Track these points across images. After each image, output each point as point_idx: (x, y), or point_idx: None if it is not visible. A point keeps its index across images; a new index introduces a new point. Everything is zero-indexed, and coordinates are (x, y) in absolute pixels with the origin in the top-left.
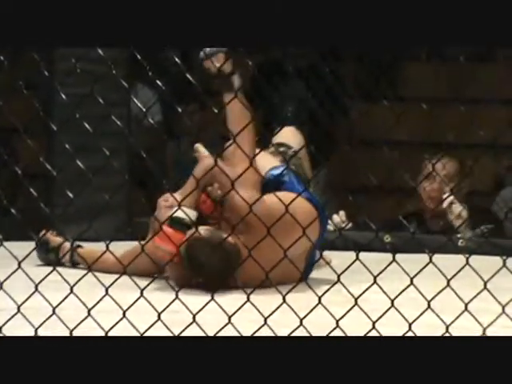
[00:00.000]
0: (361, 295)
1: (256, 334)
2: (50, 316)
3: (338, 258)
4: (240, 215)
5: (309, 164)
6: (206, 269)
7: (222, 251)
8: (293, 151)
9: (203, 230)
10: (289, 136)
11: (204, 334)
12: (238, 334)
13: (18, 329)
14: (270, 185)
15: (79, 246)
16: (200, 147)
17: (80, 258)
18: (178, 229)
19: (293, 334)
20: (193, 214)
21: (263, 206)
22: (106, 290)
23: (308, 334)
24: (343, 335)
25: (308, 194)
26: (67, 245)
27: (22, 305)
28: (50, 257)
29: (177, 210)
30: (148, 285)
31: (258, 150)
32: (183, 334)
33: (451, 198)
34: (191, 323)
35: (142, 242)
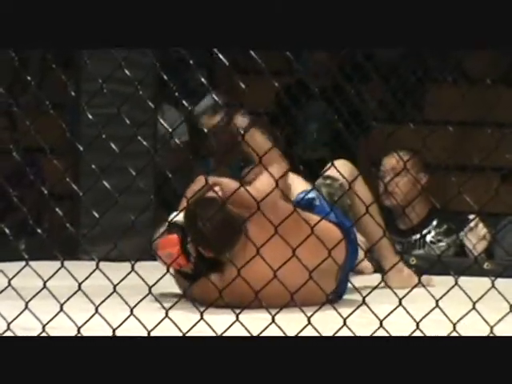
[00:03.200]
0: (386, 317)
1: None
2: (76, 336)
3: (364, 281)
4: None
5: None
6: (205, 226)
7: (224, 211)
8: (339, 184)
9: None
10: (339, 168)
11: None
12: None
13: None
14: (300, 208)
15: None
16: (216, 180)
17: None
18: (174, 232)
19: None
20: None
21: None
22: (131, 310)
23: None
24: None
25: (337, 219)
26: None
27: (47, 324)
28: None
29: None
30: (173, 305)
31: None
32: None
33: (477, 219)
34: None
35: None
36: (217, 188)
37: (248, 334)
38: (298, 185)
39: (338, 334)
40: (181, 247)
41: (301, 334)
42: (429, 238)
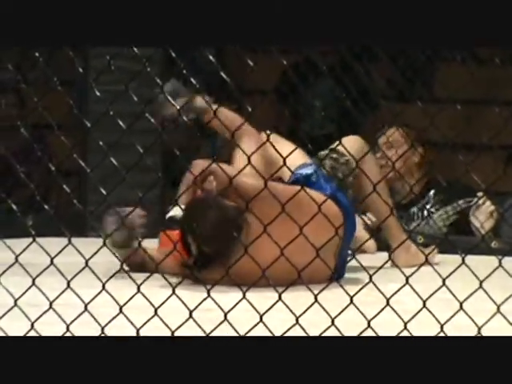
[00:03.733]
0: (392, 296)
1: (287, 334)
2: (82, 313)
3: (371, 259)
4: (249, 195)
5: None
6: (203, 228)
7: (221, 209)
8: (345, 159)
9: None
10: (347, 144)
11: (235, 333)
12: (268, 333)
13: (50, 325)
14: (298, 184)
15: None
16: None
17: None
18: (175, 227)
19: (324, 334)
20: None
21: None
22: (138, 287)
23: (339, 334)
24: (374, 335)
25: (335, 194)
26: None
27: (54, 301)
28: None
29: (171, 210)
30: (179, 283)
31: (289, 145)
32: (214, 333)
33: (484, 197)
34: (222, 321)
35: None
36: (211, 178)
37: (255, 312)
38: (296, 158)
39: (344, 313)
40: (181, 242)
41: (307, 313)
42: (428, 207)
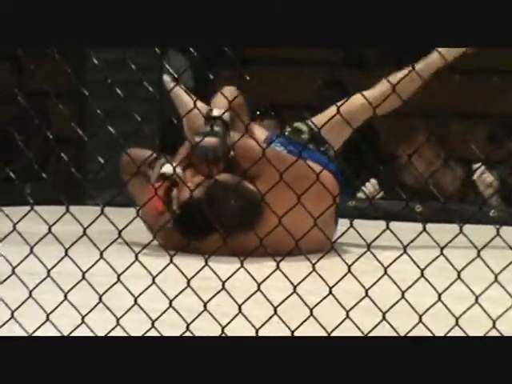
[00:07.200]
0: (390, 265)
1: (285, 302)
2: (80, 281)
3: (369, 227)
4: (252, 157)
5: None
6: (225, 212)
7: (242, 195)
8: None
9: (224, 175)
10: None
11: (233, 301)
12: (266, 302)
13: (48, 293)
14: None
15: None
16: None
17: None
18: (163, 181)
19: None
20: (179, 170)
21: (273, 151)
22: (136, 255)
23: (336, 303)
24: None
25: (319, 159)
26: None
27: (51, 269)
28: None
29: (164, 167)
30: (177, 252)
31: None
32: (211, 302)
33: (482, 167)
34: (220, 290)
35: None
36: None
37: (253, 281)
38: (261, 132)
39: (342, 282)
40: (165, 195)
41: (304, 282)
42: None
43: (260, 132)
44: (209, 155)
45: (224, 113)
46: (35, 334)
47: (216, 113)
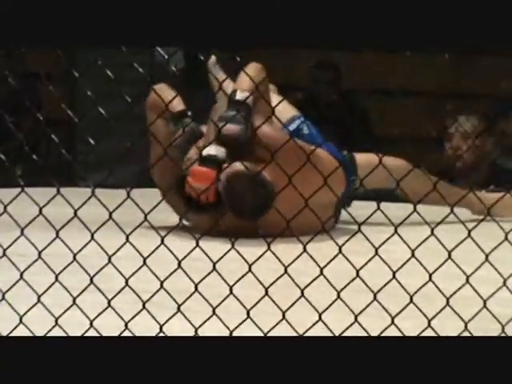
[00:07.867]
0: (381, 245)
1: (276, 283)
2: (71, 263)
3: (359, 208)
4: (267, 143)
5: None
6: (244, 202)
7: (261, 185)
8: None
9: (240, 164)
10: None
11: (223, 282)
12: (258, 283)
13: (40, 275)
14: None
15: None
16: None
17: None
18: (210, 166)
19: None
20: (222, 151)
21: (291, 144)
22: (127, 237)
23: (329, 285)
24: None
25: (330, 148)
26: None
27: (42, 251)
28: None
29: (206, 149)
30: (168, 233)
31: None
32: (203, 283)
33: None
34: (211, 271)
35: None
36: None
37: (243, 261)
38: (285, 110)
39: (333, 262)
40: (215, 183)
41: (295, 263)
42: None
43: (286, 110)
44: (231, 143)
45: (248, 97)
46: (26, 316)
47: (239, 96)
